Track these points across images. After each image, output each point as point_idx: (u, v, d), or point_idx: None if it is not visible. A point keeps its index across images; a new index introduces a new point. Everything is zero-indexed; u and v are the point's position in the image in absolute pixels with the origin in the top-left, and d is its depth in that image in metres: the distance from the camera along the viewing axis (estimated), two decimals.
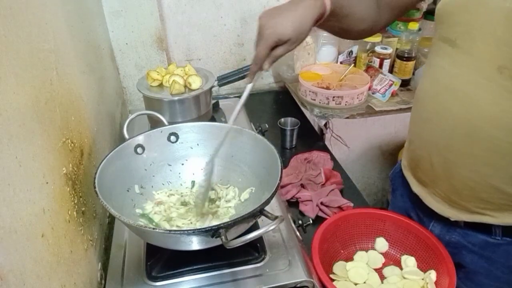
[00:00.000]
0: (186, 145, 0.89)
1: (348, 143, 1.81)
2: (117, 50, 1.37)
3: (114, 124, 1.19)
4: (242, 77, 1.14)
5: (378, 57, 1.52)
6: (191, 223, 0.78)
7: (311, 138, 1.39)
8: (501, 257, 0.79)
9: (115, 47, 1.36)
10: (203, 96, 1.13)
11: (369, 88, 1.44)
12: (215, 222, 0.77)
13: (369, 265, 0.86)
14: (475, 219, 0.78)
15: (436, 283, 0.79)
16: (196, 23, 1.52)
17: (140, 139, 0.84)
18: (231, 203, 0.82)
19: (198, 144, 0.89)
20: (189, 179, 0.89)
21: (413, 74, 1.54)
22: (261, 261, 0.73)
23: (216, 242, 0.61)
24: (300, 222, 0.86)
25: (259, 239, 0.76)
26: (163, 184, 0.87)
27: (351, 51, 1.56)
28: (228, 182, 0.87)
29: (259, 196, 0.78)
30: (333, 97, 1.34)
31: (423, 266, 0.84)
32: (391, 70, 1.55)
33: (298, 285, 0.70)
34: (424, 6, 1.53)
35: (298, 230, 0.84)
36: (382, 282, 0.83)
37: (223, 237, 0.59)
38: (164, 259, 0.73)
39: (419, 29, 1.52)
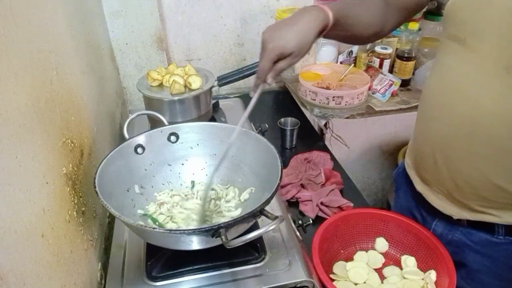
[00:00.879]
0: (186, 145, 0.89)
1: (348, 143, 1.81)
2: (117, 50, 1.37)
3: (114, 124, 1.19)
4: (242, 77, 1.14)
5: (378, 57, 1.52)
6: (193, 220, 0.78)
7: (311, 138, 1.39)
8: (503, 256, 0.79)
9: (115, 47, 1.36)
10: (203, 96, 1.13)
11: (369, 88, 1.44)
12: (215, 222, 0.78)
13: (369, 265, 0.86)
14: (478, 218, 0.78)
15: (436, 283, 0.79)
16: (196, 23, 1.52)
17: (140, 139, 0.84)
18: (231, 203, 0.82)
19: (198, 144, 0.89)
20: (189, 179, 0.89)
21: (413, 74, 1.54)
22: (261, 261, 0.73)
23: (216, 242, 0.61)
24: (300, 222, 0.86)
25: (259, 239, 0.76)
26: (163, 184, 0.87)
27: (351, 51, 1.56)
28: (228, 182, 0.87)
29: (259, 196, 0.78)
30: (333, 97, 1.34)
31: (423, 266, 0.84)
32: (391, 70, 1.55)
33: (298, 285, 0.70)
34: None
35: (298, 230, 0.84)
36: (382, 282, 0.83)
37: (223, 237, 0.59)
38: (164, 259, 0.73)
39: (419, 29, 1.52)
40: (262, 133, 1.20)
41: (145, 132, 0.86)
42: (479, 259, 0.82)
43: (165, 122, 0.91)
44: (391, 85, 1.44)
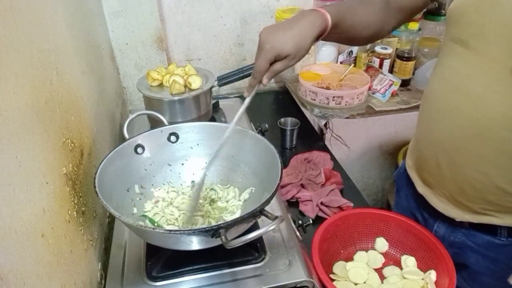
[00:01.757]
0: (186, 145, 0.89)
1: (348, 143, 1.81)
2: (117, 50, 1.37)
3: (114, 124, 1.19)
4: (242, 77, 1.14)
5: (378, 57, 1.52)
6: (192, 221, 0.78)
7: (311, 138, 1.39)
8: (506, 257, 0.79)
9: (115, 47, 1.36)
10: (203, 96, 1.13)
11: (369, 88, 1.44)
12: (214, 223, 0.78)
13: (369, 265, 0.86)
14: (481, 220, 0.77)
15: (436, 283, 0.79)
16: (196, 23, 1.52)
17: (140, 139, 0.84)
18: (231, 203, 0.82)
19: (198, 144, 0.89)
20: (189, 179, 0.89)
21: (413, 74, 1.54)
22: (261, 261, 0.73)
23: (216, 242, 0.61)
24: (300, 222, 0.85)
25: (259, 239, 0.76)
26: (163, 184, 0.87)
27: (351, 51, 1.56)
28: (228, 182, 0.87)
29: (259, 196, 0.78)
30: (333, 97, 1.34)
31: (423, 266, 0.84)
32: (391, 70, 1.55)
33: (298, 285, 0.70)
34: None
35: (298, 230, 0.84)
36: (382, 282, 0.83)
37: (223, 237, 0.59)
38: (164, 259, 0.73)
39: (419, 29, 1.52)
40: (262, 133, 1.20)
41: (145, 132, 0.86)
42: (481, 261, 0.82)
43: (165, 122, 0.91)
44: (391, 85, 1.44)
